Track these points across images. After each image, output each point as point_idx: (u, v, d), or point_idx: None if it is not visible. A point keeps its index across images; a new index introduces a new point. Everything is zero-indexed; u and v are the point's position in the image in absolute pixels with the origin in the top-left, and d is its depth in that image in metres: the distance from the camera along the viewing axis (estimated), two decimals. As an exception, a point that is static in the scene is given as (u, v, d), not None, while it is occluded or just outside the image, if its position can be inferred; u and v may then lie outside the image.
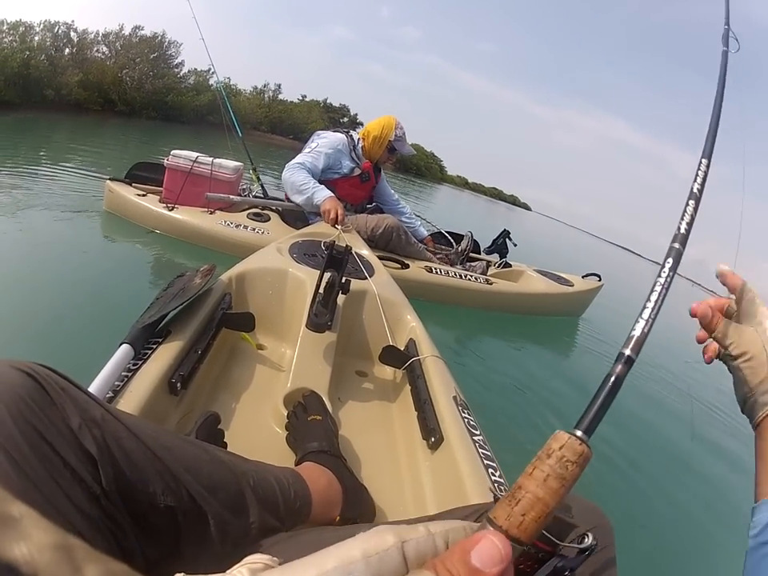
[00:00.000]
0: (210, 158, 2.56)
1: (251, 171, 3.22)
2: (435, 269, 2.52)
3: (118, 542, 0.40)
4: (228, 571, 0.32)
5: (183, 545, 0.47)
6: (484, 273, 2.82)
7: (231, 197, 2.56)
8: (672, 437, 2.24)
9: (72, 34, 13.01)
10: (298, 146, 3.02)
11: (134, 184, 2.70)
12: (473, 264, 2.88)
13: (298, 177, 2.35)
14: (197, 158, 2.53)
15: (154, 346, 0.90)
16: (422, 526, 0.30)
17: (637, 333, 0.37)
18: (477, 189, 64.35)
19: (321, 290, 1.08)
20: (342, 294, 1.08)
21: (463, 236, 3.04)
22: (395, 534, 0.29)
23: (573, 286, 3.13)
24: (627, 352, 0.36)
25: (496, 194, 70.72)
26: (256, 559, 0.33)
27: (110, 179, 2.68)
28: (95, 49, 14.13)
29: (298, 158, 2.40)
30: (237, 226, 2.42)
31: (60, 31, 12.51)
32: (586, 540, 0.35)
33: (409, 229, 2.79)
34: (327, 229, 1.72)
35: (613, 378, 0.34)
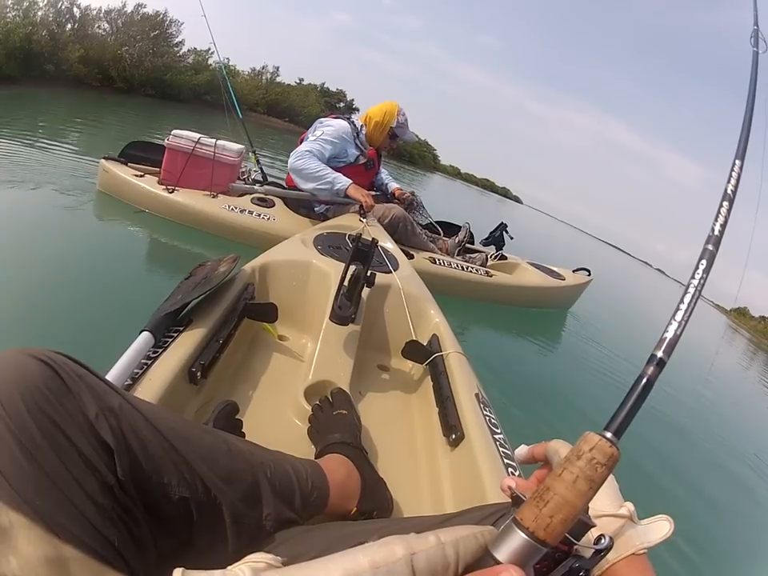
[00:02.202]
0: (213, 140, 2.47)
1: (251, 154, 3.13)
2: (439, 260, 2.54)
3: (131, 533, 0.40)
4: (229, 568, 0.31)
5: (196, 537, 0.47)
6: (483, 265, 2.85)
7: (255, 187, 2.51)
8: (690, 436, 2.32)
9: (75, 9, 12.77)
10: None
11: (129, 164, 2.59)
12: (472, 256, 2.92)
13: (311, 163, 2.29)
14: (199, 139, 2.43)
15: (175, 335, 0.89)
16: (432, 535, 0.30)
17: (669, 335, 0.36)
18: (469, 179, 64.03)
19: (345, 283, 1.07)
20: (366, 287, 1.08)
21: (461, 227, 3.06)
22: (404, 545, 0.29)
23: (565, 279, 3.19)
24: (659, 354, 0.35)
25: (488, 186, 70.48)
26: (258, 558, 0.32)
27: (104, 158, 2.55)
28: (96, 25, 13.86)
29: (305, 146, 2.34)
30: (241, 211, 2.37)
31: (63, 6, 12.29)
32: (603, 541, 0.34)
33: (381, 183, 2.79)
34: (351, 222, 1.71)
35: (644, 380, 0.33)
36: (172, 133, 2.45)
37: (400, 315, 1.20)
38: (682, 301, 0.38)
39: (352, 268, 1.07)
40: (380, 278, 1.16)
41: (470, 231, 3.02)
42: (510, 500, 0.37)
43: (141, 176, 2.48)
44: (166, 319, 0.90)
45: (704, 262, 0.41)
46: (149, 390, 0.72)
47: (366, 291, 1.12)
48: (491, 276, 2.71)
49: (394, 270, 1.32)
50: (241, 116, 3.30)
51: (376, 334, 1.21)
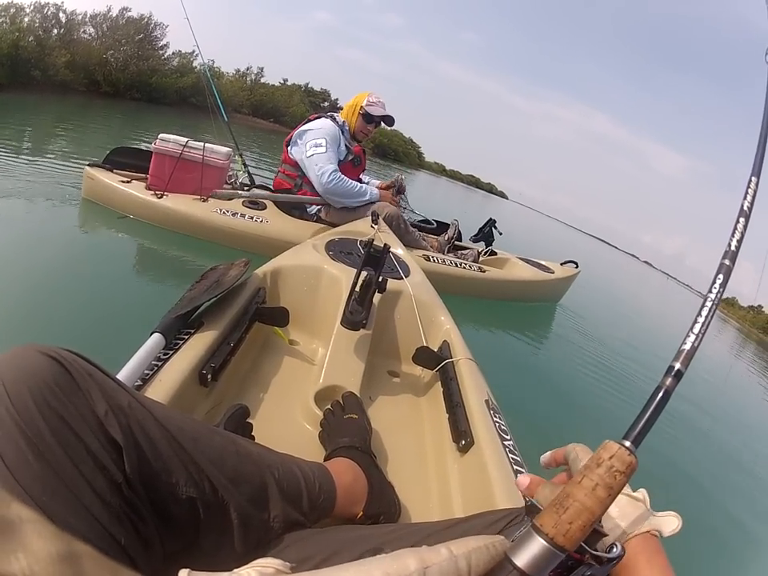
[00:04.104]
0: (201, 143, 2.43)
1: (237, 157, 3.11)
2: (432, 257, 2.56)
3: (138, 532, 0.39)
4: (235, 570, 0.31)
5: (203, 537, 0.47)
6: (475, 261, 2.88)
7: (239, 192, 2.48)
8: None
9: (60, 14, 12.74)
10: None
11: (114, 170, 2.53)
12: (464, 252, 2.94)
13: (347, 184, 2.39)
14: (187, 142, 2.39)
15: (186, 337, 0.89)
16: (444, 548, 0.30)
17: (687, 347, 0.37)
18: (454, 176, 64.80)
19: (357, 288, 1.08)
20: (378, 292, 1.08)
21: (449, 224, 3.08)
22: (417, 558, 0.29)
23: (554, 272, 3.26)
24: (677, 365, 0.36)
25: (473, 182, 71.27)
26: (267, 563, 0.32)
27: (89, 165, 2.48)
28: (82, 30, 13.86)
29: (327, 163, 2.36)
30: (233, 215, 2.33)
31: (49, 12, 12.30)
32: (615, 549, 0.34)
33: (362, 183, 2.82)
34: (363, 228, 1.73)
35: (662, 391, 0.34)
36: (159, 137, 2.40)
37: (411, 321, 1.20)
38: (699, 314, 0.39)
39: (364, 273, 1.08)
40: (391, 284, 1.17)
41: (458, 229, 3.05)
42: (524, 503, 0.37)
43: (128, 182, 2.42)
44: (177, 321, 0.89)
45: (721, 276, 0.43)
46: (159, 391, 0.72)
47: (377, 297, 1.13)
48: (484, 272, 2.74)
49: (406, 277, 1.33)
50: (226, 119, 3.29)
51: (387, 340, 1.21)
